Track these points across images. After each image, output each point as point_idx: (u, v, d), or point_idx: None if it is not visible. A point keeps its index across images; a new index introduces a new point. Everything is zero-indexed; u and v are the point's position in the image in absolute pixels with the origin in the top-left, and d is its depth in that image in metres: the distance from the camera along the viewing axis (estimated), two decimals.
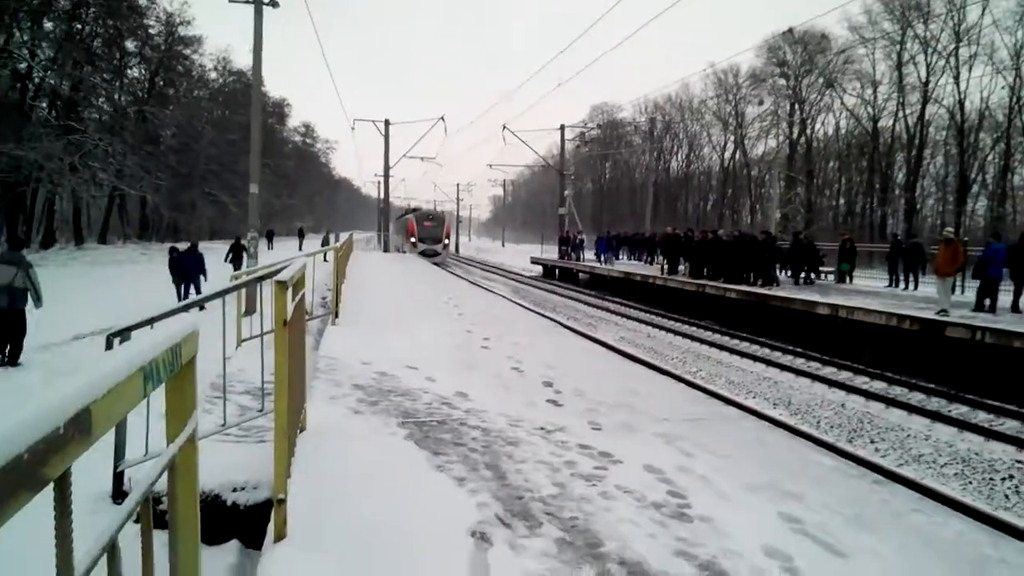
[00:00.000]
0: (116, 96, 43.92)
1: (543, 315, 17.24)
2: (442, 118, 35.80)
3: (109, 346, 5.02)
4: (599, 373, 7.70)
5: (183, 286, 17.40)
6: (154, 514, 1.54)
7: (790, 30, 41.99)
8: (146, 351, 1.38)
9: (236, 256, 20.60)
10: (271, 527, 3.45)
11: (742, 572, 3.19)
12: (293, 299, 4.44)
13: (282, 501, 3.44)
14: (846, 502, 4.07)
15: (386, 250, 42.35)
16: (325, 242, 40.01)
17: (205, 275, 17.86)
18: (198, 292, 16.73)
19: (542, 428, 5.45)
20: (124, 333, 4.93)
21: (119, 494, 5.03)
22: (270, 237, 56.66)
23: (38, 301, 10.95)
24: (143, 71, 47.81)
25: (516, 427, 5.45)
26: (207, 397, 8.01)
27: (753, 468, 4.63)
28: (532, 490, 4.11)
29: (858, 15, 45.86)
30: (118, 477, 5.07)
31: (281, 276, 3.58)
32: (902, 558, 3.37)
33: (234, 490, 5.27)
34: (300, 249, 44.10)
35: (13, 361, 10.65)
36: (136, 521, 1.43)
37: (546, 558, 3.26)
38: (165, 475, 1.63)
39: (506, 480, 4.25)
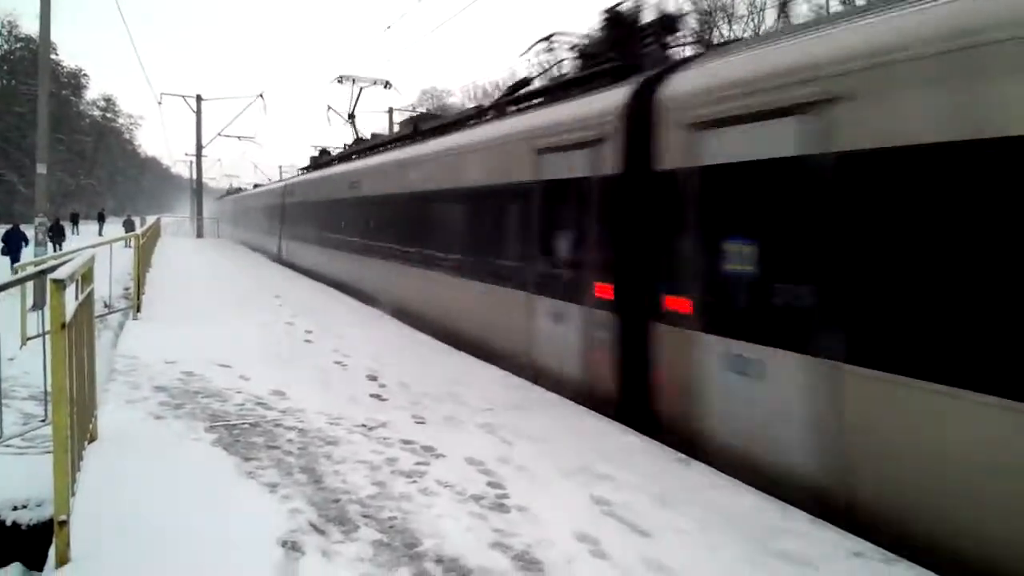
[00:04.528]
0: None
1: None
2: (261, 95, 33.91)
3: None
4: (425, 363, 7.67)
5: (12, 259, 19.75)
6: None
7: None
8: None
9: (57, 234, 23.09)
10: (52, 551, 3.12)
11: (553, 559, 3.29)
12: (79, 296, 4.02)
13: (64, 522, 3.11)
14: (652, 480, 4.33)
15: (200, 235, 39.61)
16: (128, 226, 36.61)
17: (27, 244, 20.23)
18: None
19: (363, 425, 5.33)
20: None
21: None
22: (75, 220, 51.09)
23: None
24: None
25: (336, 425, 5.29)
26: None
27: (569, 453, 4.80)
28: (350, 492, 4.00)
29: None
30: None
31: (58, 273, 3.19)
32: (701, 533, 3.63)
33: (15, 508, 4.77)
34: (100, 234, 40.18)
35: None
36: None
37: (361, 563, 3.18)
38: None
39: (322, 483, 4.10)
